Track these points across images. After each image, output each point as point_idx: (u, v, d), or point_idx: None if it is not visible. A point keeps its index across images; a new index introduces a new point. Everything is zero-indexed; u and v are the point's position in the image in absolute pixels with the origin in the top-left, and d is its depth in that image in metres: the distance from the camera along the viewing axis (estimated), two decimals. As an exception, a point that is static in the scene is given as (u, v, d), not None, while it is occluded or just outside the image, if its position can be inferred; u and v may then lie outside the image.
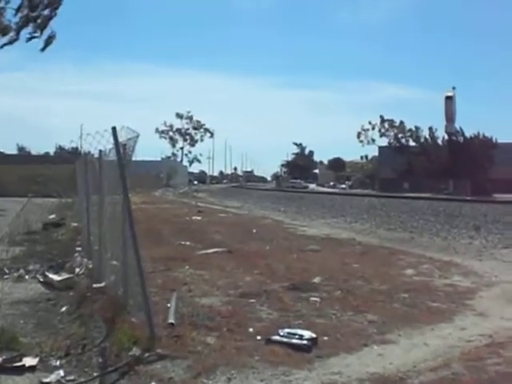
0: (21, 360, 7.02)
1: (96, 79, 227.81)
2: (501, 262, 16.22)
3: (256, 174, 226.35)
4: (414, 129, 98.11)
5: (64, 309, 9.73)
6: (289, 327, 8.30)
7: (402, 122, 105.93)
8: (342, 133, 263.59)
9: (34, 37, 15.63)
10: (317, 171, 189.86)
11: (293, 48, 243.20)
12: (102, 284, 10.42)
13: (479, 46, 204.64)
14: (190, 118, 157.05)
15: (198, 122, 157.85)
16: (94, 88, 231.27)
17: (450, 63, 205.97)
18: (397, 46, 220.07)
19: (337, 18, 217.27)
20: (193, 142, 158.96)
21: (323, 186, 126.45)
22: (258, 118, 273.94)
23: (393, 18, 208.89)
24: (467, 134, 69.12)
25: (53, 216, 25.87)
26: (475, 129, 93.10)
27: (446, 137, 71.14)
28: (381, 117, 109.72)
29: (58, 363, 7.03)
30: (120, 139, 8.21)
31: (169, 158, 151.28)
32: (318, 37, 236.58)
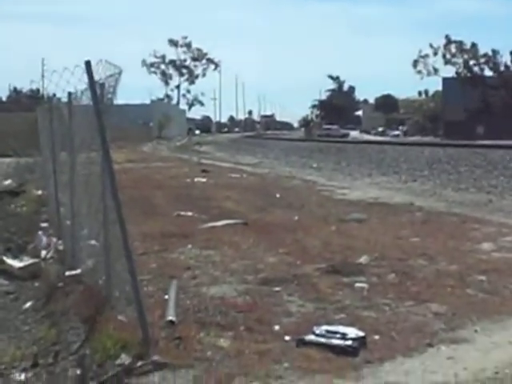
0: (-26, 374, 7.11)
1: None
2: None
3: (278, 119, 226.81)
4: (490, 53, 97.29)
5: (28, 305, 9.83)
6: (327, 323, 8.34)
7: (474, 45, 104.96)
8: (392, 61, 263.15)
9: None
10: (360, 113, 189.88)
11: None
12: (78, 271, 10.51)
13: None
14: (188, 45, 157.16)
15: (199, 50, 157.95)
16: (59, 9, 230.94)
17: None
18: None
19: None
20: (192, 78, 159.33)
21: (369, 134, 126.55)
22: (280, 44, 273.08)
23: None
24: None
25: (9, 182, 26.05)
26: None
27: (534, 63, 70.64)
28: (446, 37, 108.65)
29: (22, 377, 7.11)
30: (96, 77, 8.20)
31: (161, 100, 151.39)
32: None
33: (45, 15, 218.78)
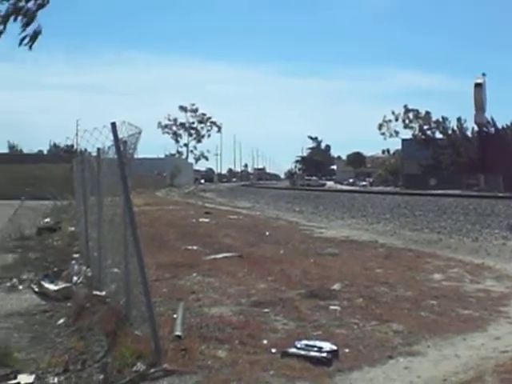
0: (16, 377, 7.03)
1: (91, 70, 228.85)
2: (538, 264, 16.12)
3: (268, 171, 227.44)
4: (440, 120, 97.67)
5: (61, 321, 9.75)
6: (306, 339, 8.28)
7: (427, 113, 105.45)
8: (361, 125, 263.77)
9: (24, 37, 15.63)
10: (334, 167, 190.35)
11: (305, 33, 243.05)
12: (102, 293, 10.44)
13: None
14: (195, 110, 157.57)
15: (204, 114, 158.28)
16: (90, 80, 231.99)
17: (480, 47, 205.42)
18: (420, 29, 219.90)
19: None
20: (199, 138, 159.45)
21: (341, 184, 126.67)
22: (270, 110, 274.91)
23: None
24: (499, 125, 68.96)
25: (48, 220, 25.95)
26: (508, 118, 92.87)
27: (476, 128, 70.93)
28: (405, 107, 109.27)
29: (55, 380, 7.04)
30: (120, 135, 8.22)
31: (173, 155, 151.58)
32: (331, 19, 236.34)
33: (76, 85, 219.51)
